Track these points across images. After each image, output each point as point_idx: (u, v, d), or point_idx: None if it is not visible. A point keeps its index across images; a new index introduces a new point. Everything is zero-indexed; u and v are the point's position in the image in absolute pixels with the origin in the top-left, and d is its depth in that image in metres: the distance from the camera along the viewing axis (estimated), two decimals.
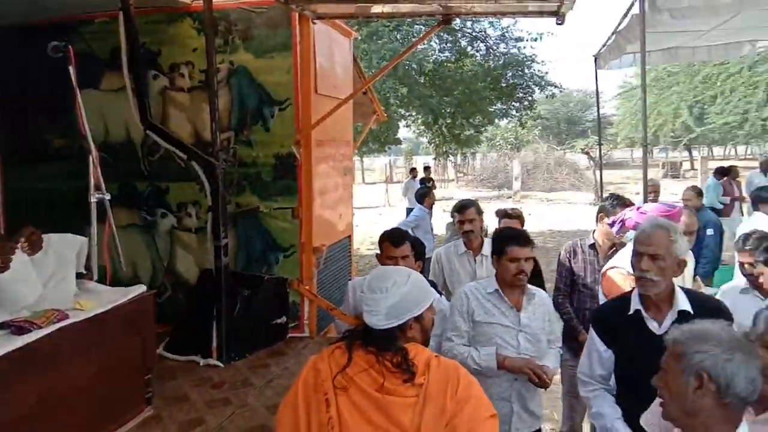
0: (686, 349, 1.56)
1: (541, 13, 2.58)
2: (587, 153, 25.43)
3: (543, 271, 3.72)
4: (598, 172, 10.37)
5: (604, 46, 7.68)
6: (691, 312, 2.19)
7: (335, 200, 3.84)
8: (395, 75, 9.72)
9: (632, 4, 5.37)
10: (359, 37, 8.52)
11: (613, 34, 6.95)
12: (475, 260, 3.72)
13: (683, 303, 2.23)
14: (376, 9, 3.23)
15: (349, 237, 4.26)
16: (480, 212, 3.84)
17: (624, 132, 30.54)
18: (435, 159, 25.68)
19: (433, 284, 3.72)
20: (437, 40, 11.29)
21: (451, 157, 37.30)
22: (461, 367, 1.84)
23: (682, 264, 2.25)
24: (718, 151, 42.53)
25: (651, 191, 7.03)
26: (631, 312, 2.29)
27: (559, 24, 2.72)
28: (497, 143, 36.89)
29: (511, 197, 23.50)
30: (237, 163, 4.17)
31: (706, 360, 1.51)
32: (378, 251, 3.07)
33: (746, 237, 3.02)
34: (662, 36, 6.85)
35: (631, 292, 2.38)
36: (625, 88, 29.77)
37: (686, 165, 30.76)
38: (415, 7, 2.71)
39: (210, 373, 3.46)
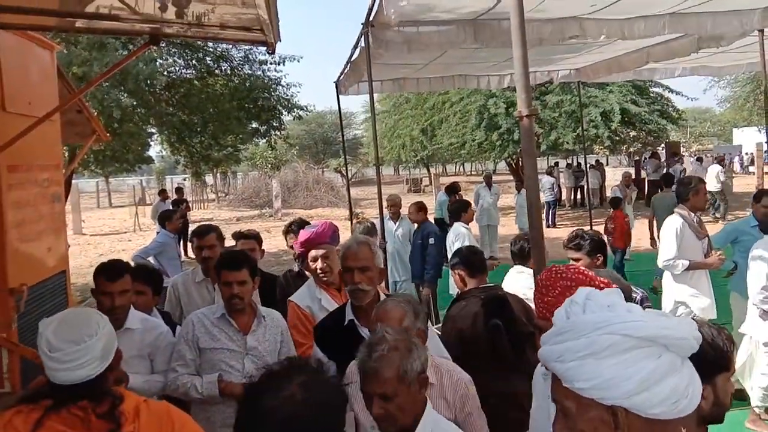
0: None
1: (252, 42, 2.62)
2: (340, 172, 26.89)
3: None
4: (351, 189, 11.07)
5: (342, 73, 8.20)
6: None
7: (39, 232, 3.34)
8: (125, 89, 9.01)
9: (359, 38, 5.83)
10: (65, 50, 7.64)
11: (347, 63, 7.46)
12: (214, 287, 3.57)
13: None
14: (80, 24, 2.92)
15: (64, 272, 3.75)
16: (221, 238, 3.74)
17: (373, 152, 33.10)
18: (191, 179, 24.55)
19: (166, 315, 3.48)
20: (184, 56, 10.86)
21: (211, 177, 36.09)
22: (173, 408, 1.76)
23: (383, 272, 2.49)
24: (451, 168, 48.98)
25: (390, 205, 7.72)
26: (346, 323, 2.45)
27: (270, 53, 2.82)
28: (258, 162, 36.87)
29: (272, 216, 23.63)
30: None
31: None
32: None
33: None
34: (391, 67, 7.58)
35: (345, 304, 2.55)
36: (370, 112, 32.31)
37: (426, 181, 34.72)
38: (119, 25, 2.52)
39: None
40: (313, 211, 24.98)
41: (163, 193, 15.72)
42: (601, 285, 1.62)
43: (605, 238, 9.71)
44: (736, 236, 5.15)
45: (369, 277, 2.43)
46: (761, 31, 6.26)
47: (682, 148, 29.33)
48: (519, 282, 3.71)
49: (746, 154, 31.75)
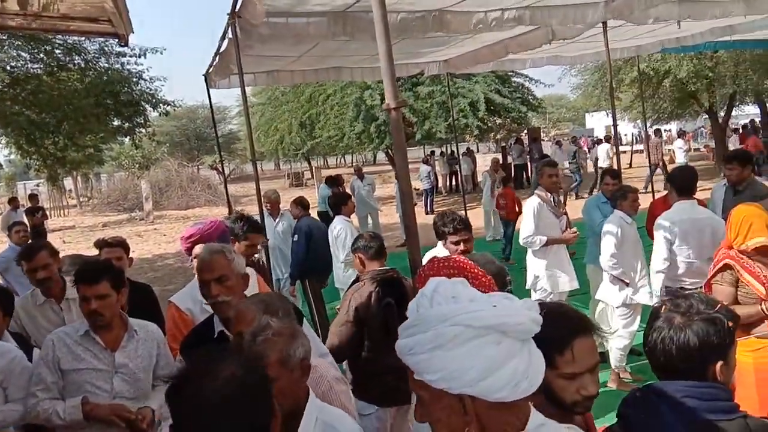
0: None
1: (102, 34, 2.41)
2: (216, 168, 25.92)
3: None
4: (229, 186, 10.64)
5: (210, 66, 7.85)
6: None
7: None
8: None
9: (226, 29, 5.59)
10: None
11: (216, 55, 7.15)
12: (60, 307, 3.28)
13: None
14: None
15: None
16: (55, 253, 3.42)
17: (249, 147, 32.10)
18: (47, 184, 22.34)
19: (19, 337, 3.16)
20: (28, 49, 9.76)
21: (70, 181, 33.11)
22: None
23: (246, 278, 2.40)
24: (332, 160, 48.99)
25: (266, 202, 7.53)
26: (215, 335, 2.34)
27: (123, 45, 2.62)
28: (123, 163, 34.40)
29: (143, 219, 22.21)
30: None
31: None
32: None
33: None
34: (263, 59, 7.37)
35: (212, 316, 2.44)
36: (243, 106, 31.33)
37: (308, 174, 34.44)
38: None
39: None
40: (189, 211, 23.83)
41: (13, 201, 14.20)
42: (478, 273, 1.70)
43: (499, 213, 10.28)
44: (597, 208, 5.61)
45: (228, 287, 2.32)
46: (605, 23, 6.90)
47: (542, 133, 31.71)
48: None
49: (595, 137, 35.16)
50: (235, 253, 2.43)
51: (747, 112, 29.41)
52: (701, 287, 3.52)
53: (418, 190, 19.68)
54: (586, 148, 21.89)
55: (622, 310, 4.73)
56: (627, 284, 4.65)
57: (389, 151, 22.02)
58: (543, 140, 29.17)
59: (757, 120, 22.64)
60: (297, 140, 23.01)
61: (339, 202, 6.35)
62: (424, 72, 10.03)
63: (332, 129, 19.67)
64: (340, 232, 6.01)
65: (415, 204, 14.38)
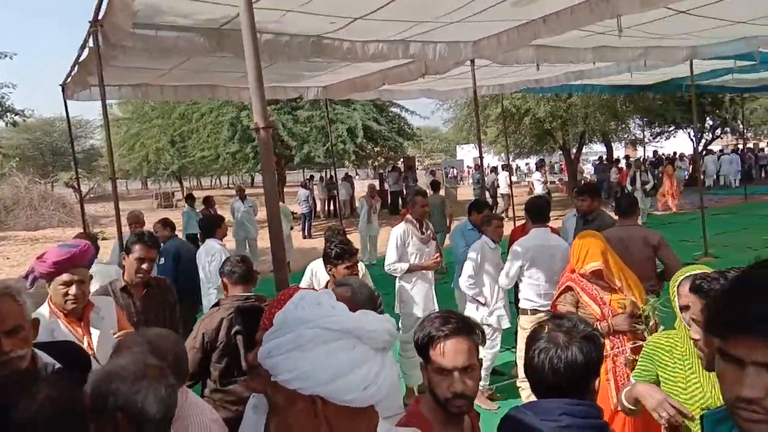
0: (97, 396, 1.47)
1: None
2: (72, 186, 23.86)
3: None
4: (86, 206, 9.74)
5: (68, 76, 7.25)
6: None
7: None
8: None
9: (87, 37, 5.20)
10: None
11: (75, 64, 6.63)
12: None
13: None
14: None
15: None
16: None
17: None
18: None
19: None
20: None
21: None
22: None
23: (35, 323, 1.96)
24: (206, 181, 47.08)
25: (131, 223, 7.02)
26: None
27: None
28: None
29: None
30: None
31: (119, 398, 1.46)
32: None
33: None
34: (129, 71, 6.94)
35: None
36: (109, 119, 29.29)
37: (179, 195, 32.75)
38: None
39: None
40: (39, 232, 21.57)
41: None
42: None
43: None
44: (462, 235, 5.90)
45: (23, 339, 1.83)
46: (472, 61, 7.37)
47: (417, 162, 32.97)
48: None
49: (467, 167, 37.29)
50: (25, 294, 2.00)
51: (595, 150, 32.78)
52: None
53: (296, 214, 19.48)
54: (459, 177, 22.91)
55: (485, 330, 4.96)
56: (484, 304, 4.93)
57: None
58: (417, 169, 30.31)
59: (604, 157, 25.27)
60: (167, 158, 21.86)
61: (212, 224, 6.07)
62: (303, 96, 10.04)
63: (206, 148, 18.96)
64: (212, 254, 5.74)
65: (292, 228, 14.22)
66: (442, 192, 13.27)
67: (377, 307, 3.57)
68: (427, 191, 7.99)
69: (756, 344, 0.92)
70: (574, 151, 23.32)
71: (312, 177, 25.12)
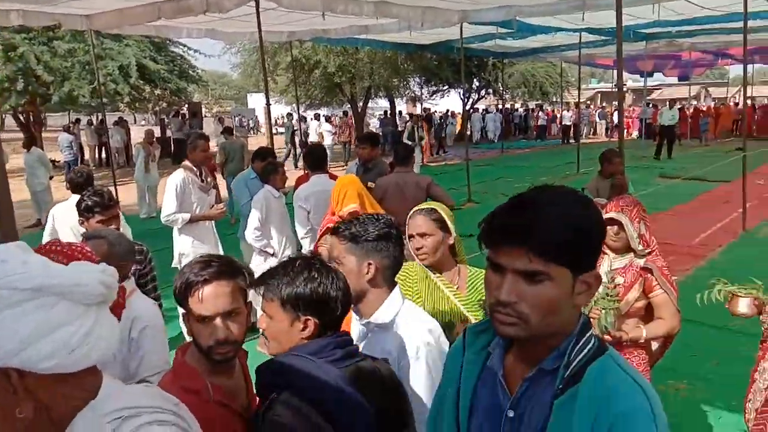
0: None
1: None
2: None
3: None
4: None
5: None
6: None
7: None
8: None
9: None
10: None
11: None
12: None
13: None
14: None
15: None
16: None
17: None
18: None
19: None
20: None
21: None
22: None
23: None
24: None
25: None
26: None
27: None
28: None
29: None
30: None
31: None
32: None
33: None
34: None
35: None
36: None
37: None
38: None
39: None
40: None
41: None
42: (86, 252, 1.48)
43: None
44: (245, 184, 5.74)
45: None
46: (257, 2, 6.98)
47: (204, 108, 31.10)
48: None
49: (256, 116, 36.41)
50: None
51: (380, 105, 34.43)
52: None
53: (58, 162, 17.06)
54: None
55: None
56: (273, 255, 4.89)
57: (19, 114, 18.56)
58: (205, 116, 28.63)
59: (388, 111, 26.65)
60: None
61: None
62: (60, 24, 8.63)
63: None
64: None
65: (51, 178, 12.48)
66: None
67: (144, 261, 3.30)
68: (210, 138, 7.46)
69: (512, 252, 1.05)
70: (361, 104, 24.19)
71: (78, 120, 22.13)
